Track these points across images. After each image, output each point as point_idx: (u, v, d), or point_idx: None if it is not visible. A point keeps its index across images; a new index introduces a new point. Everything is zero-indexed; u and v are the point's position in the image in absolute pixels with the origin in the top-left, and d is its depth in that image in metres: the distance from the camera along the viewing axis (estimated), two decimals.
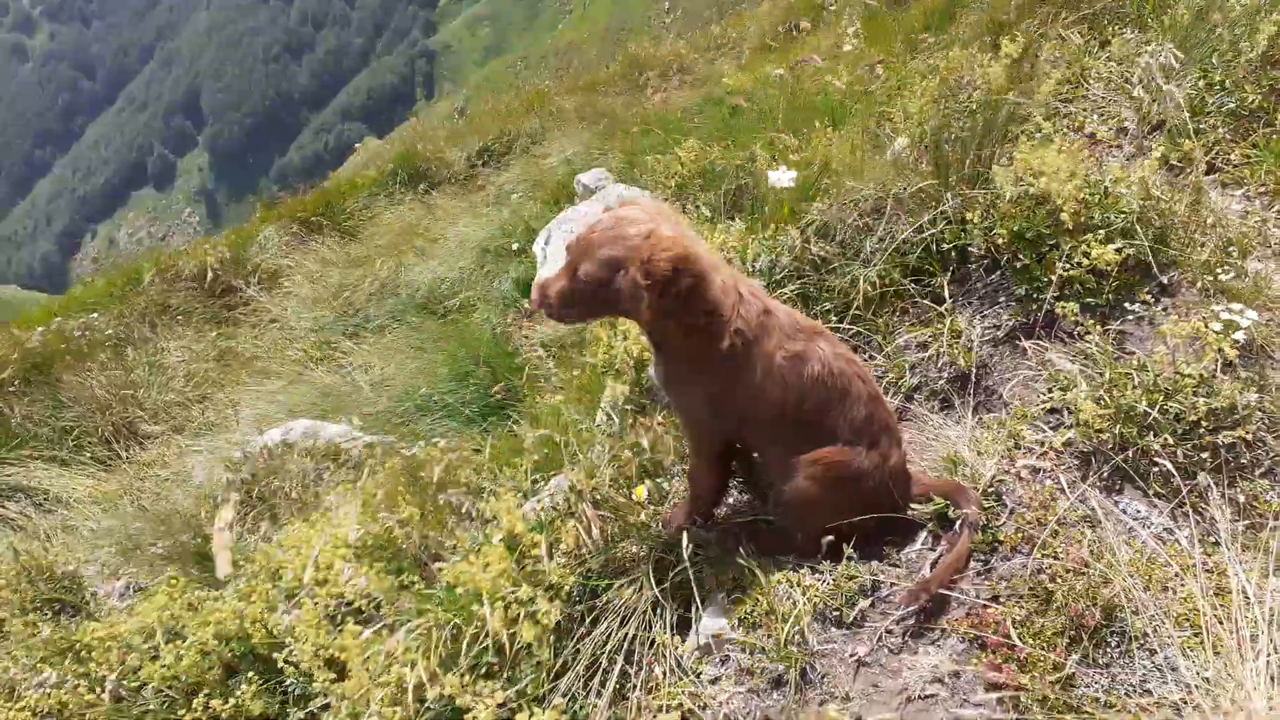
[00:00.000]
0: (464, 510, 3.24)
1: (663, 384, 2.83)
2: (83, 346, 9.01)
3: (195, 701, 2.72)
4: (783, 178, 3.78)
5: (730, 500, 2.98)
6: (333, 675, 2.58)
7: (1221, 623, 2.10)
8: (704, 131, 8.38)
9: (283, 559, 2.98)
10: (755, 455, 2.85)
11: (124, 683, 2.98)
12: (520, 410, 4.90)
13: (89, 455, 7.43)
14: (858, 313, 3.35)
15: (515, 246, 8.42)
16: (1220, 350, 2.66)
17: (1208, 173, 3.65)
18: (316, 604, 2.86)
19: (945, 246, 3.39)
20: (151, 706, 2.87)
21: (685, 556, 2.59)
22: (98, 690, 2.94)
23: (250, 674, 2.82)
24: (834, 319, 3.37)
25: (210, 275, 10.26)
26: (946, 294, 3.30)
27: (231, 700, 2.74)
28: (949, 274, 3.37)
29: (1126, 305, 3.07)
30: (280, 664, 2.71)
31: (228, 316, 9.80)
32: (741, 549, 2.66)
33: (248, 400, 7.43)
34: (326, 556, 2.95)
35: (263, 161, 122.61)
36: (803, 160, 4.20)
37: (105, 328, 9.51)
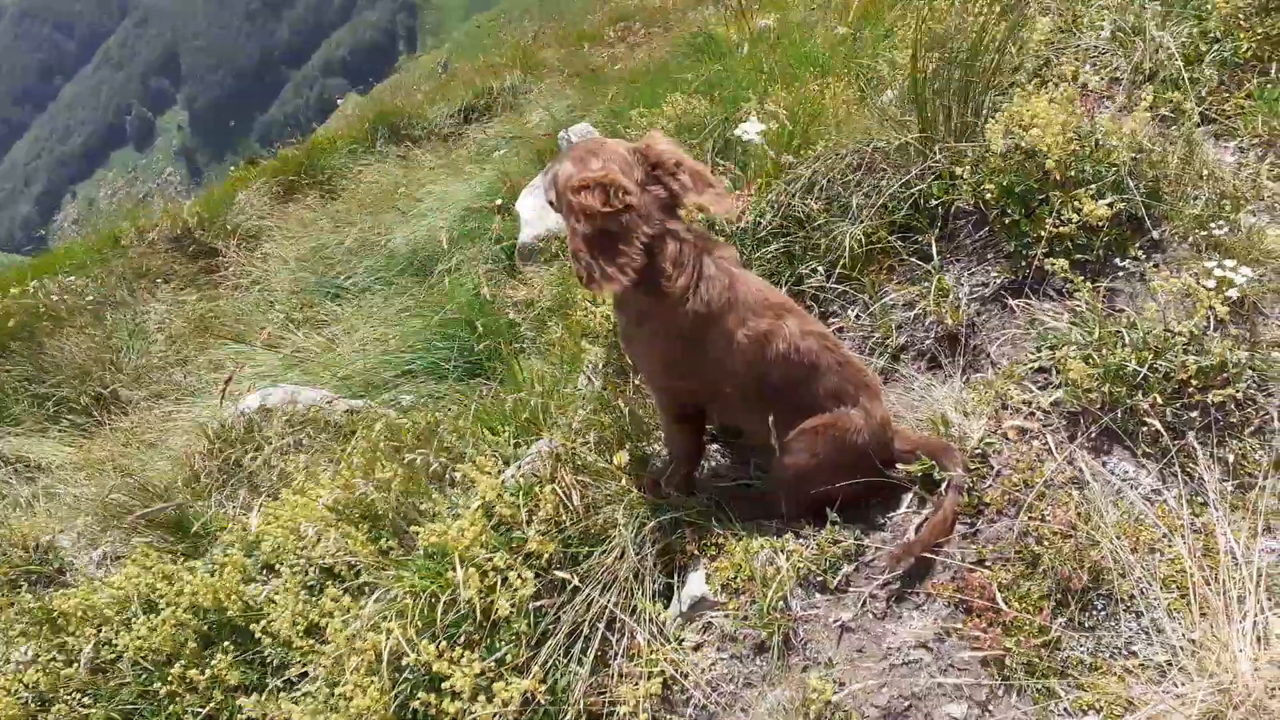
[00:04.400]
0: (444, 476, 3.18)
1: (621, 342, 2.79)
2: (61, 311, 8.88)
3: (171, 673, 2.69)
4: (750, 130, 3.65)
5: (713, 464, 2.94)
6: (311, 642, 2.54)
7: (1209, 584, 2.07)
8: (690, 84, 8.24)
9: (261, 526, 2.93)
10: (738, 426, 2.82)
11: (100, 653, 2.94)
12: (503, 373, 4.83)
13: (69, 421, 7.36)
14: (844, 271, 3.27)
15: (499, 204, 8.28)
16: (1211, 307, 2.61)
17: (1201, 124, 3.57)
18: (295, 571, 2.81)
19: (933, 202, 3.30)
20: (128, 679, 2.83)
21: (666, 522, 2.55)
22: (74, 663, 2.90)
23: (227, 644, 2.78)
24: (820, 277, 3.29)
25: (189, 237, 10.10)
26: (934, 251, 3.22)
27: (208, 671, 2.70)
28: (937, 230, 3.29)
29: (1117, 261, 3.01)
30: (258, 634, 2.68)
31: (208, 279, 9.65)
32: (724, 514, 2.62)
33: (229, 364, 7.33)
34: (304, 515, 2.91)
35: (244, 119, 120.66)
36: (789, 112, 4.08)
37: (84, 291, 9.37)
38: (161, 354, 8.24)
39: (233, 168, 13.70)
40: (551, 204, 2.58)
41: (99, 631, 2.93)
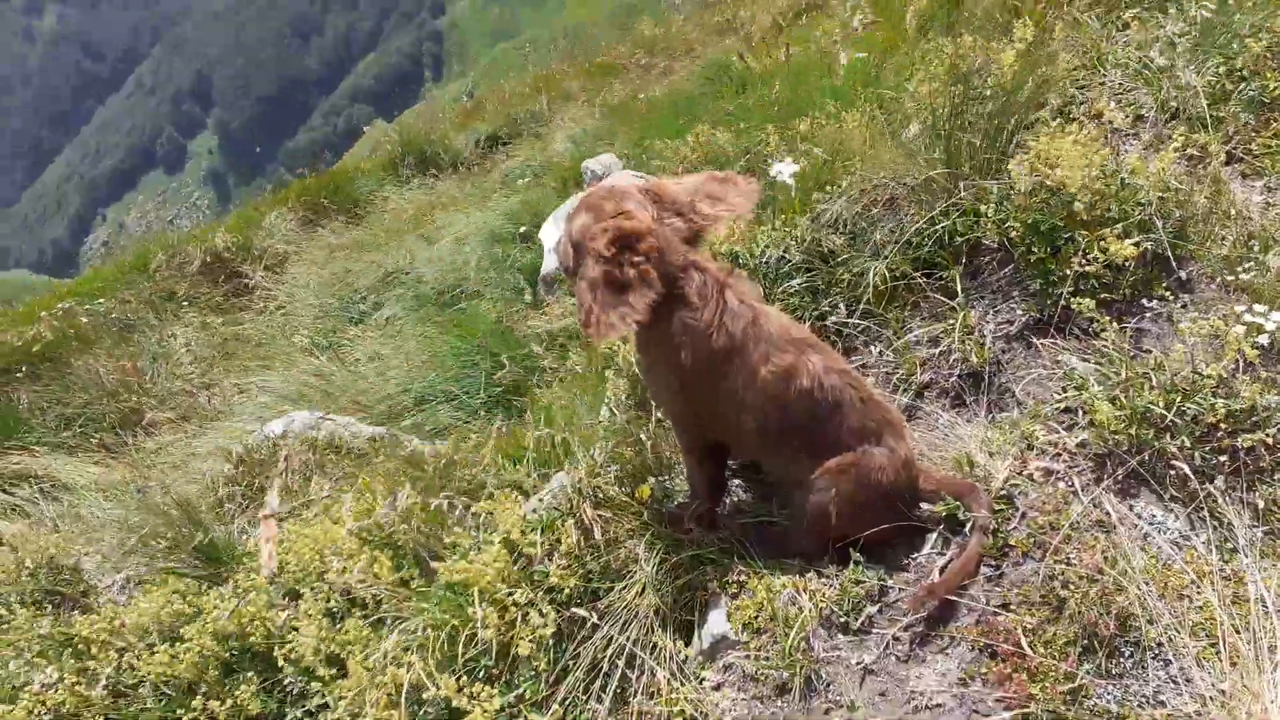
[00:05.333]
0: (465, 507, 3.19)
1: (641, 372, 2.80)
2: (90, 332, 9.01)
3: (194, 702, 2.69)
4: (784, 171, 3.68)
5: (735, 500, 2.93)
6: (333, 671, 2.55)
7: (1239, 632, 2.04)
8: (712, 115, 8.30)
9: (283, 553, 2.94)
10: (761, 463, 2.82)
11: (122, 678, 2.95)
12: (524, 403, 4.85)
13: (95, 442, 7.44)
14: (868, 307, 3.27)
15: (521, 232, 8.36)
16: (1240, 351, 2.59)
17: (1227, 163, 3.56)
18: (318, 596, 2.82)
19: (957, 239, 3.30)
20: (149, 704, 2.84)
21: (687, 559, 2.54)
22: (95, 686, 2.91)
23: (249, 673, 2.79)
24: (843, 312, 3.29)
25: (217, 261, 10.24)
26: (959, 288, 3.22)
27: (229, 700, 2.71)
28: (961, 267, 3.28)
29: (1144, 301, 2.99)
30: (280, 661, 2.68)
31: (234, 303, 9.77)
32: (746, 551, 2.61)
33: (254, 388, 7.41)
34: (328, 540, 2.92)
35: (272, 145, 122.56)
36: (810, 148, 4.11)
37: (113, 313, 9.51)
38: (188, 376, 8.34)
39: (261, 193, 13.88)
40: (568, 270, 2.56)
41: (121, 656, 2.94)
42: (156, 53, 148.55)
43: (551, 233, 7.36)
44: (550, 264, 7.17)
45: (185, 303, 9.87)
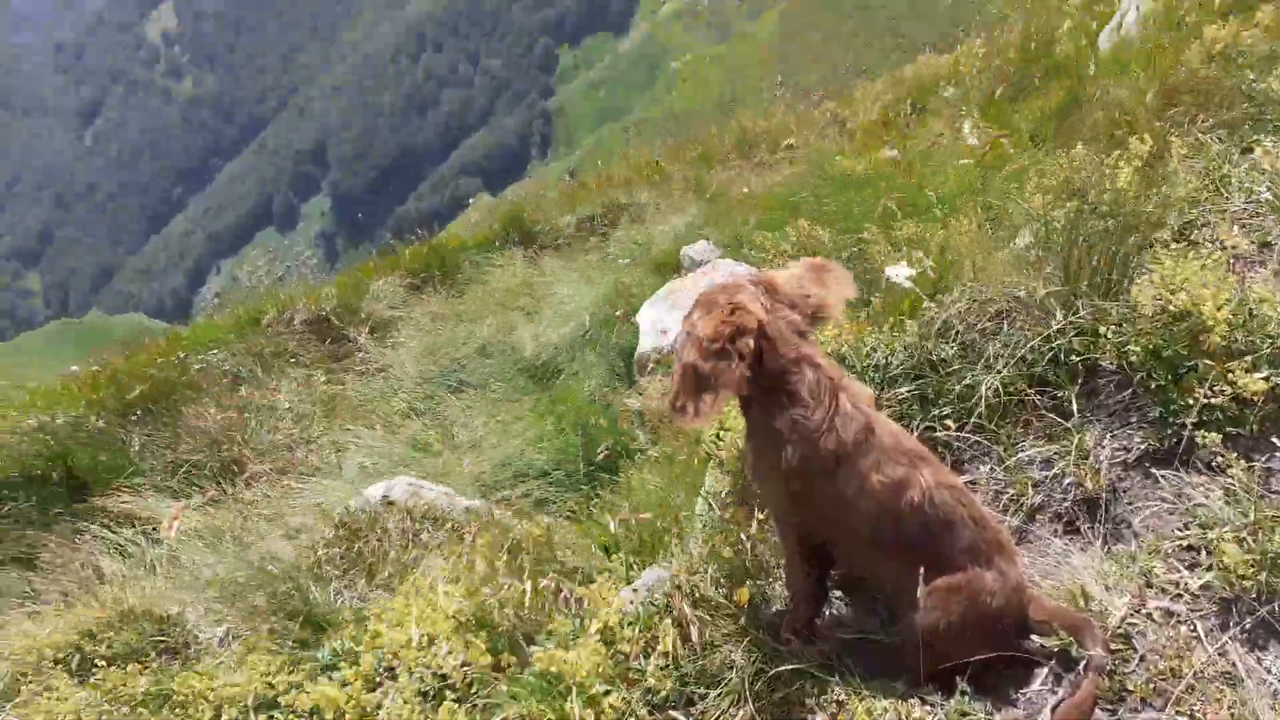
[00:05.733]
0: (561, 591, 3.22)
1: (747, 466, 2.80)
2: (201, 381, 9.45)
3: None
4: (900, 274, 3.71)
5: (835, 611, 2.88)
6: None
7: None
8: (813, 210, 8.39)
9: (381, 632, 3.00)
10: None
11: None
12: (619, 484, 4.89)
13: (199, 489, 7.73)
14: (979, 421, 3.22)
15: (619, 313, 8.52)
16: None
17: None
18: (413, 677, 2.86)
19: (1073, 358, 3.24)
20: None
21: (786, 672, 2.50)
22: None
23: None
24: (952, 424, 3.25)
25: (325, 321, 10.69)
26: (1074, 408, 3.15)
27: None
28: (1077, 387, 3.22)
29: (1274, 440, 2.87)
30: None
31: (338, 364, 10.14)
32: (846, 667, 2.55)
33: (352, 447, 7.64)
34: (425, 625, 2.96)
35: (382, 210, 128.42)
36: (920, 255, 4.12)
37: (224, 364, 9.97)
38: (289, 431, 8.64)
39: (367, 255, 14.46)
40: (697, 368, 2.56)
41: (219, 713, 3.02)
42: (282, 117, 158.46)
43: (649, 315, 7.49)
44: (646, 345, 7.28)
45: (292, 359, 10.30)
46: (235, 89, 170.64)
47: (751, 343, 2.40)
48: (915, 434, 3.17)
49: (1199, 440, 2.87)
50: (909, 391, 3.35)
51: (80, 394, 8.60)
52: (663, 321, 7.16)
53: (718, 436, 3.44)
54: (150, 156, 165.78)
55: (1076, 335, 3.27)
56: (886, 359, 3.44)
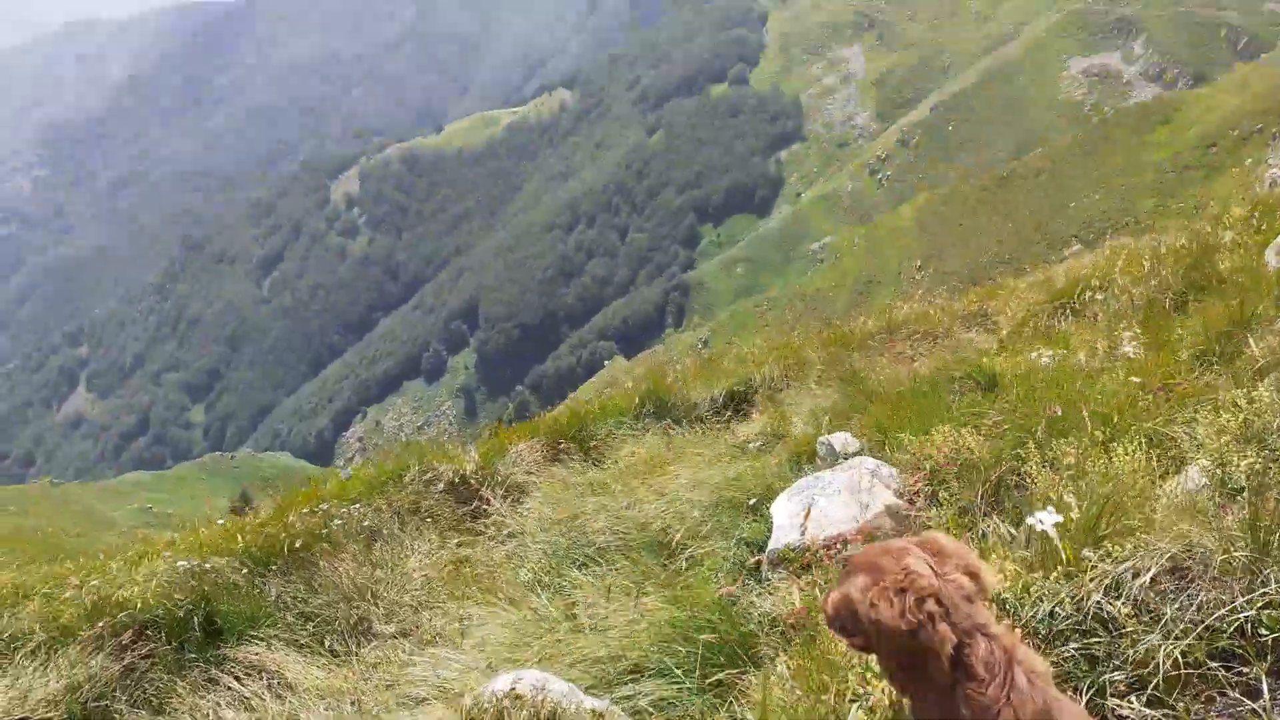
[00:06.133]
0: None
1: None
2: (340, 535, 9.74)
3: None
4: (1044, 520, 3.43)
5: None
6: None
7: None
8: (958, 411, 8.11)
9: None
10: None
11: None
12: (747, 699, 4.64)
13: (325, 645, 7.83)
14: (1154, 693, 2.90)
15: (751, 503, 8.36)
16: None
17: None
18: None
19: (1263, 632, 2.91)
20: None
21: None
22: None
23: None
24: (1124, 691, 2.93)
25: (463, 482, 10.96)
26: (1264, 688, 2.80)
27: None
28: (1266, 664, 2.87)
29: None
30: None
31: (470, 526, 10.30)
32: None
33: (474, 617, 7.61)
34: None
35: (522, 367, 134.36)
36: (1073, 497, 3.84)
37: (363, 519, 10.27)
38: (416, 593, 8.73)
39: (504, 408, 14.89)
40: (844, 630, 2.43)
41: None
42: (441, 277, 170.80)
43: (785, 509, 7.31)
44: (778, 542, 7.07)
45: (428, 517, 10.54)
46: (402, 249, 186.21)
47: (946, 630, 2.22)
48: (1083, 700, 2.87)
49: None
50: (1075, 650, 3.06)
51: (229, 540, 9.01)
52: (799, 517, 6.98)
53: (865, 678, 3.22)
54: (319, 307, 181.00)
55: (1265, 608, 2.95)
56: (1052, 610, 3.18)
